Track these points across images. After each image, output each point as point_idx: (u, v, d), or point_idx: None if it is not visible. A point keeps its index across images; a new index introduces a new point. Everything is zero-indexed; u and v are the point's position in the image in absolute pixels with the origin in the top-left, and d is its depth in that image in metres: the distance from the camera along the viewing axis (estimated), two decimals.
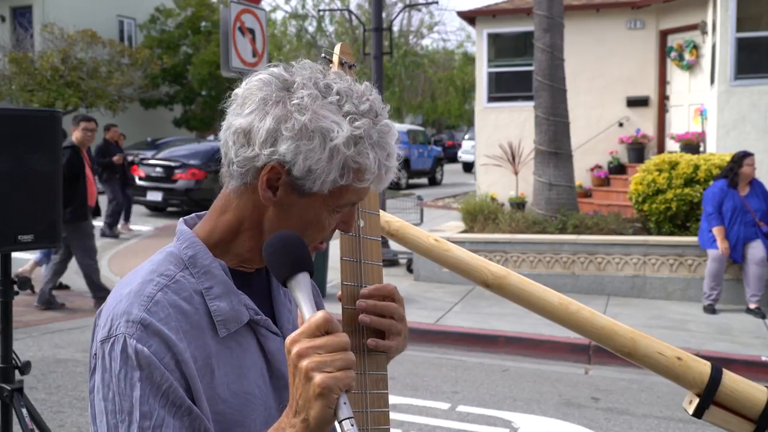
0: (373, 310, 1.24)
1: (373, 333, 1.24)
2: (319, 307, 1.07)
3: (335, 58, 1.26)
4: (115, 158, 11.71)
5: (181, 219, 1.24)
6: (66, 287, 8.48)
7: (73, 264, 9.10)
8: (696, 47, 11.91)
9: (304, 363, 0.96)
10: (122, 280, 1.18)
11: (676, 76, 12.52)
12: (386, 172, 1.14)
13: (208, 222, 1.21)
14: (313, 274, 1.07)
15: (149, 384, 1.04)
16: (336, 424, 0.96)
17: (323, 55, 1.24)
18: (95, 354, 1.09)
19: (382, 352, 1.25)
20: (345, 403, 0.95)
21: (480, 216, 9.23)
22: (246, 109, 1.10)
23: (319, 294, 1.36)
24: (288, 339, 0.99)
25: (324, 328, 0.98)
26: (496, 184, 12.87)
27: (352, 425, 0.94)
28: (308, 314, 1.00)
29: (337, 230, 1.20)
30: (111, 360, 1.06)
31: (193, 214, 1.27)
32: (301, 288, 1.02)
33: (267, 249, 1.06)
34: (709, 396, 1.35)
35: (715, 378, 1.36)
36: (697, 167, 8.20)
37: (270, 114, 1.08)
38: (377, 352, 1.23)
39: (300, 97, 1.08)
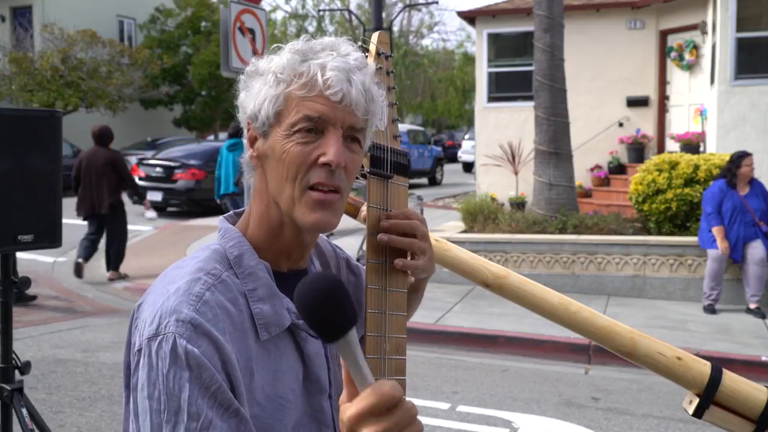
0: (394, 230, 1.21)
1: (398, 258, 1.22)
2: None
3: (372, 47, 1.24)
4: None
5: (221, 217, 1.25)
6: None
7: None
8: (696, 47, 11.91)
9: None
10: (165, 274, 1.17)
11: (676, 76, 12.52)
12: (320, 71, 1.12)
13: (244, 216, 1.24)
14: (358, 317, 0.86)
15: (198, 385, 1.03)
16: None
17: (360, 44, 1.22)
18: (140, 350, 1.07)
19: (404, 290, 1.22)
20: None
21: (480, 216, 9.23)
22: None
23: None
24: (351, 417, 0.83)
25: (392, 405, 0.83)
26: (496, 184, 12.87)
27: None
28: (362, 381, 0.84)
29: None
30: (158, 359, 1.04)
31: (231, 212, 1.27)
32: (353, 345, 0.83)
33: (305, 306, 0.82)
34: (709, 396, 1.35)
35: (715, 378, 1.36)
36: (697, 167, 8.21)
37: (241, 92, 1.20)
38: (399, 313, 1.21)
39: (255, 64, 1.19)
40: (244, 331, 1.12)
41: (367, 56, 1.22)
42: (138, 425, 1.06)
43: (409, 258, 1.25)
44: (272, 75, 1.14)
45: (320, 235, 1.38)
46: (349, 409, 0.84)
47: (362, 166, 1.19)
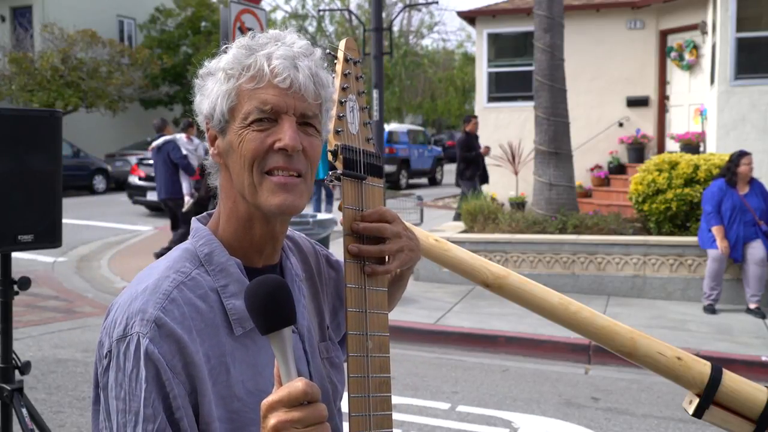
0: (365, 233, 1.20)
1: (375, 260, 1.21)
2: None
3: (340, 54, 1.25)
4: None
5: (194, 218, 1.26)
6: None
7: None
8: (696, 47, 11.92)
9: None
10: (138, 275, 1.19)
11: (676, 76, 12.53)
12: (265, 61, 1.13)
13: (214, 216, 1.24)
14: (296, 321, 0.99)
15: (155, 386, 1.05)
16: None
17: (328, 51, 1.23)
18: (109, 351, 1.10)
19: (384, 289, 1.22)
20: None
21: (480, 216, 9.23)
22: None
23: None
24: (264, 404, 0.94)
25: (302, 400, 0.93)
26: (496, 184, 12.87)
27: None
28: (286, 377, 0.94)
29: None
30: (125, 359, 1.07)
31: (204, 213, 1.28)
32: (285, 343, 0.95)
33: (249, 298, 0.96)
34: (709, 396, 1.36)
35: (715, 378, 1.36)
36: (697, 167, 8.21)
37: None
38: (380, 311, 1.20)
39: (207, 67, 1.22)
40: (216, 327, 1.13)
41: (336, 63, 1.24)
42: (110, 425, 1.09)
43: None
44: (222, 72, 1.16)
45: (301, 234, 1.41)
46: (267, 398, 0.94)
47: (336, 169, 1.20)
